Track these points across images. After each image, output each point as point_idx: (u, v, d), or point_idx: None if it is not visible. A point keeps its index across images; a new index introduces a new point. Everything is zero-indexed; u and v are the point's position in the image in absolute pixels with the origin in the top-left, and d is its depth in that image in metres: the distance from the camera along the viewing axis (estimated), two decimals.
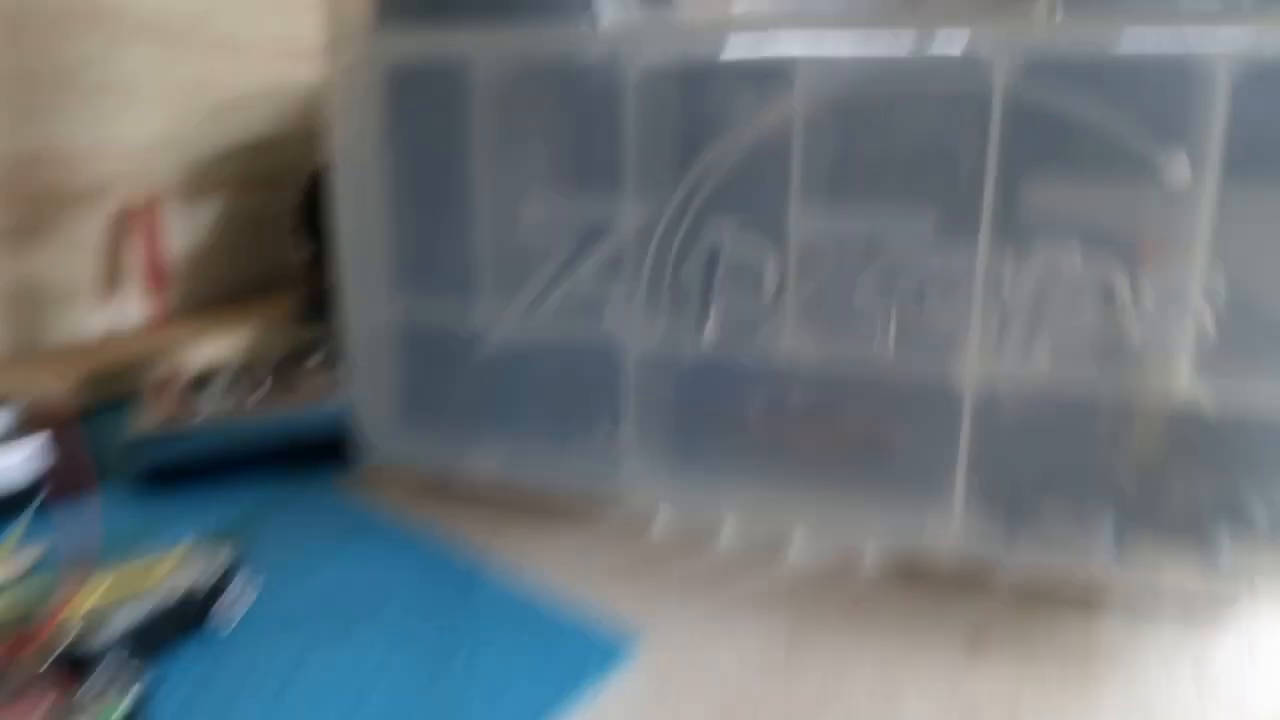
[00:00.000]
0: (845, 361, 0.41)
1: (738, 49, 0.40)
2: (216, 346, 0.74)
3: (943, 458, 0.40)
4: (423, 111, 0.48)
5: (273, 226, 0.86)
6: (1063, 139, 0.36)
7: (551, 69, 0.44)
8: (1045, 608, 0.40)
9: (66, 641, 0.33)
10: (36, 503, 0.48)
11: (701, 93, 0.41)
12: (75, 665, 0.33)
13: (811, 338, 0.41)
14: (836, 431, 0.44)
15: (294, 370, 0.64)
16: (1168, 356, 0.36)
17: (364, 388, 0.52)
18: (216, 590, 0.38)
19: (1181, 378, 0.36)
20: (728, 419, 0.46)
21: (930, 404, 0.40)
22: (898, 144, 0.39)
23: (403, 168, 0.49)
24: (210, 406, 0.58)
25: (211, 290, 0.83)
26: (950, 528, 0.40)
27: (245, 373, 0.64)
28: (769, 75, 0.39)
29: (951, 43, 0.36)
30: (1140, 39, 0.34)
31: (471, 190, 0.46)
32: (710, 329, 0.42)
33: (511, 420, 0.50)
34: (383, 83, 0.48)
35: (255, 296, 0.86)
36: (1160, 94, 0.34)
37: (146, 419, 0.54)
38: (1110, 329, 0.36)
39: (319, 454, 0.54)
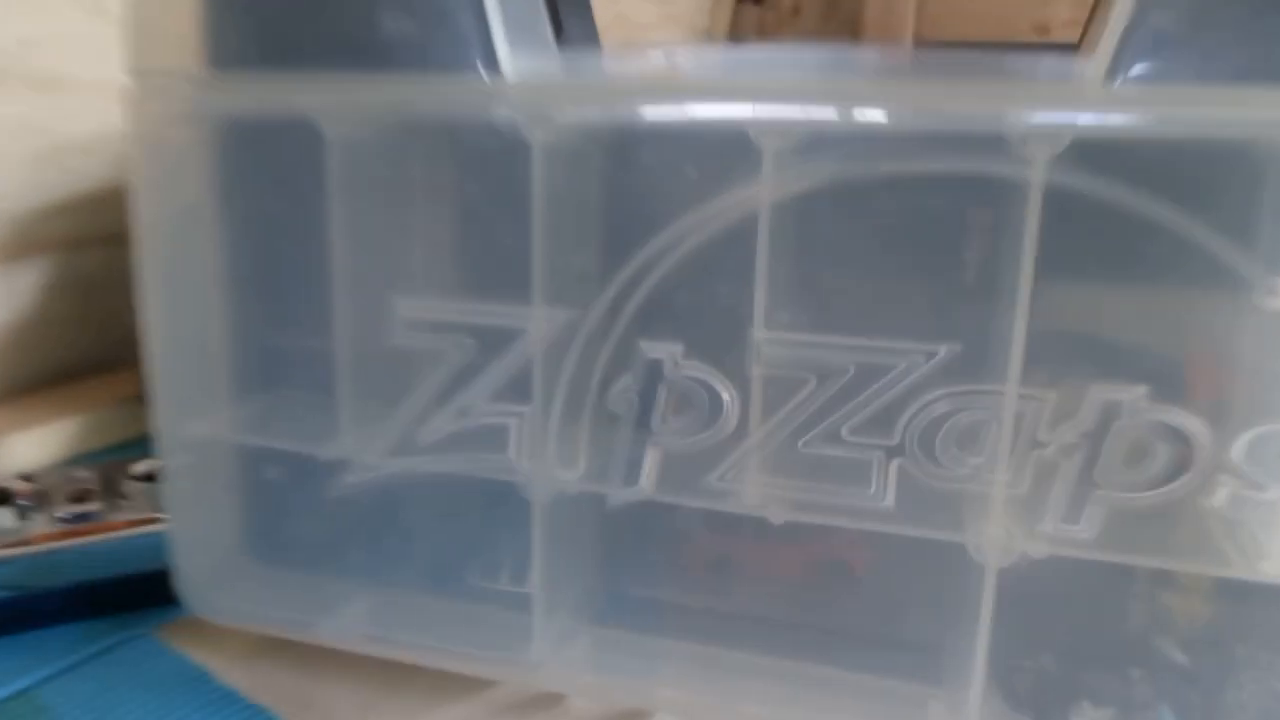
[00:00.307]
0: (828, 516, 0.30)
1: (684, 110, 0.29)
2: (32, 445, 0.59)
3: (955, 639, 0.30)
4: (267, 178, 0.36)
5: (114, 291, 0.71)
6: (1121, 245, 0.26)
7: (434, 131, 0.32)
8: None
9: None
10: None
11: (634, 168, 0.30)
12: None
13: (783, 486, 0.30)
14: (795, 554, 0.33)
15: (121, 478, 0.50)
16: (1260, 524, 0.26)
17: (186, 523, 0.38)
18: None
19: (1276, 551, 0.26)
20: (665, 571, 0.35)
21: (940, 573, 0.29)
22: (898, 243, 0.28)
23: (241, 246, 0.37)
24: (5, 531, 0.45)
25: (35, 372, 0.68)
26: None
27: (59, 483, 0.50)
28: (726, 146, 0.28)
29: (975, 118, 0.26)
30: (1231, 115, 0.25)
31: (330, 277, 0.33)
32: (647, 470, 0.31)
33: (385, 571, 0.38)
34: (214, 140, 0.35)
35: (93, 376, 0.70)
36: (1255, 187, 0.25)
37: None
38: (1185, 488, 0.26)
39: (145, 594, 0.41)
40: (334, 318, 0.33)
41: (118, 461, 0.52)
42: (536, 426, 0.31)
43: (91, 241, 0.70)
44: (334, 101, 0.32)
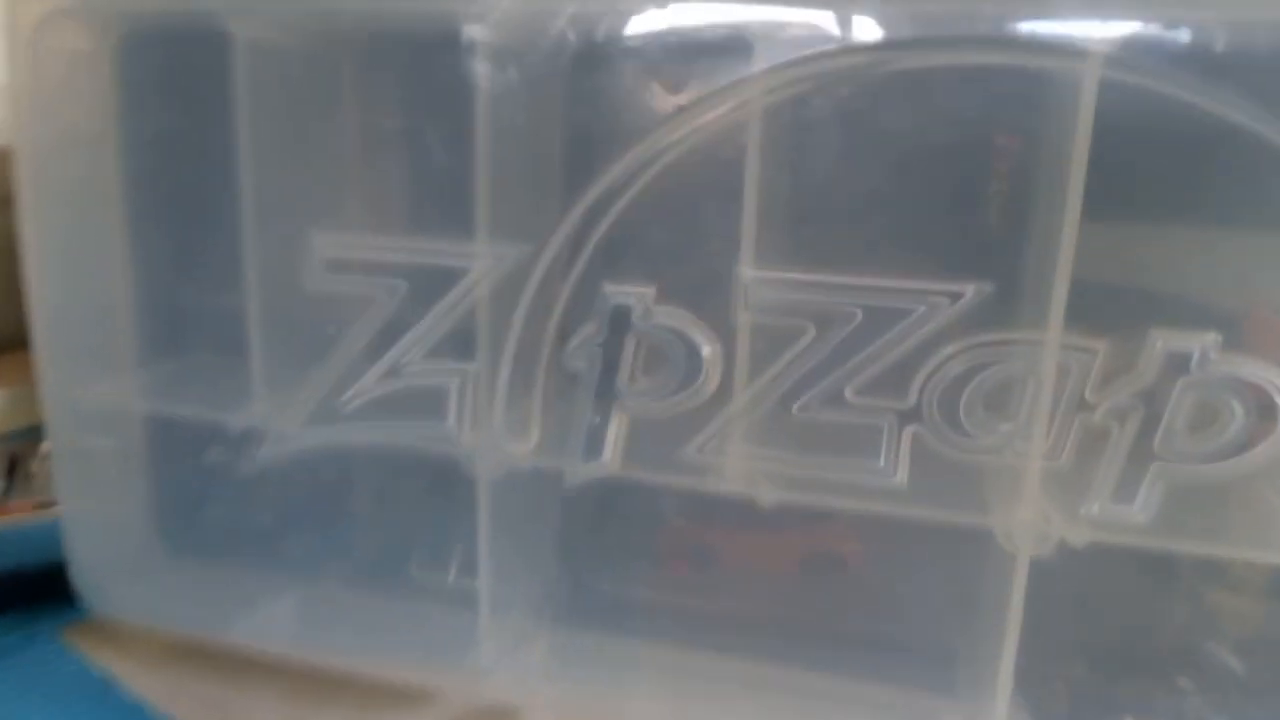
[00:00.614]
0: (828, 496, 0.25)
1: (659, 13, 0.24)
2: None
3: (976, 643, 0.25)
4: (171, 95, 0.31)
5: None
6: (1185, 168, 0.22)
7: (358, 32, 0.27)
8: None
9: None
10: None
11: (597, 72, 0.26)
12: None
13: (774, 459, 0.25)
14: (789, 543, 0.29)
15: (30, 457, 0.45)
16: None
17: (84, 509, 0.33)
18: None
19: None
20: (637, 563, 0.31)
21: (961, 565, 0.25)
22: (916, 160, 0.24)
23: (143, 178, 0.32)
24: None
25: None
26: None
27: None
28: (709, 42, 0.24)
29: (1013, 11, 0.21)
30: None
31: (239, 214, 0.28)
32: (611, 441, 0.26)
33: (313, 563, 0.33)
34: (110, 52, 0.30)
35: (14, 350, 0.65)
36: None
37: None
38: (1265, 458, 0.22)
39: (47, 588, 0.36)
40: (245, 260, 0.29)
41: (29, 441, 0.47)
42: (481, 388, 0.27)
43: (10, 200, 0.65)
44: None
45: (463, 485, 0.28)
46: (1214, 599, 0.27)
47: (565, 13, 0.25)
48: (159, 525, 0.35)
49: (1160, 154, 0.23)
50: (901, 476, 0.24)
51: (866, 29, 0.23)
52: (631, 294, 0.25)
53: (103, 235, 0.32)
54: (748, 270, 0.24)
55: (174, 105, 0.31)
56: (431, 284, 0.26)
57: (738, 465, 0.25)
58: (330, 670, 0.32)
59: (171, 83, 0.30)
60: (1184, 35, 0.21)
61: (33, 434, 0.52)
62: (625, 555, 0.32)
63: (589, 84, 0.26)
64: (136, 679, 0.33)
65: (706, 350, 0.25)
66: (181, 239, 0.32)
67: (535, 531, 0.31)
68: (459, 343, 0.27)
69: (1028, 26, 0.22)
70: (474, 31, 0.25)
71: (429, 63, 0.26)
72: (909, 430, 0.24)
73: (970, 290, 0.23)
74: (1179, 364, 0.22)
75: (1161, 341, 0.22)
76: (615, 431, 0.26)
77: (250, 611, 0.33)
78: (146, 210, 0.32)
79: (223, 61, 0.27)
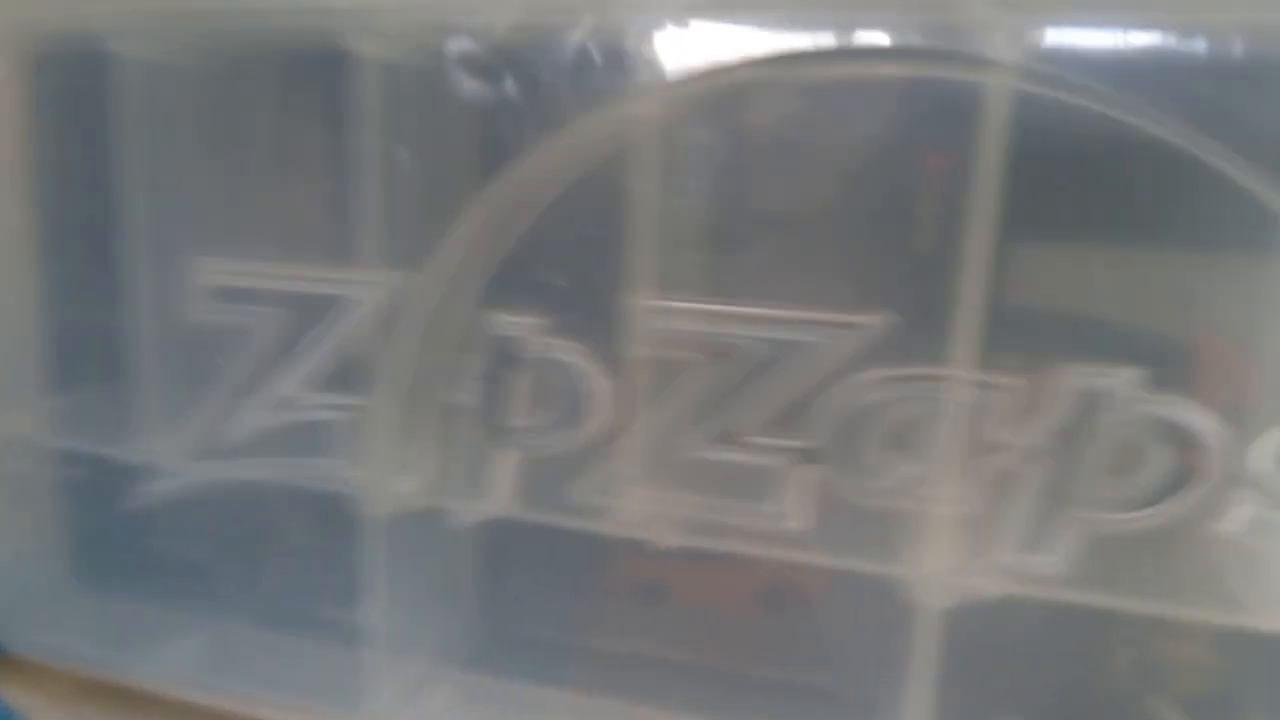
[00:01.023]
0: (728, 540, 0.22)
1: (544, 14, 0.22)
2: None
3: (889, 699, 0.22)
4: (66, 117, 0.28)
5: None
6: (1112, 188, 0.19)
7: (241, 47, 0.25)
8: None
9: None
10: None
11: (487, 96, 0.23)
12: None
13: (670, 501, 0.22)
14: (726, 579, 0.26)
15: None
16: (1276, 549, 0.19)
17: None
18: None
19: None
20: (553, 602, 0.28)
21: (870, 615, 0.22)
22: (818, 181, 0.21)
23: (48, 207, 0.29)
24: None
25: None
26: None
27: None
28: (600, 63, 0.21)
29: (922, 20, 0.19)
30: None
31: (123, 238, 0.26)
32: (499, 480, 0.23)
33: (216, 599, 0.31)
34: (17, 77, 0.28)
35: None
36: None
37: None
38: (1188, 507, 0.19)
39: None
40: (128, 288, 0.26)
41: None
42: (367, 423, 0.24)
43: None
44: (123, 13, 0.25)
45: (356, 523, 0.26)
46: (1155, 649, 0.24)
47: (455, 28, 0.22)
48: (67, 560, 0.33)
49: (1078, 172, 0.20)
50: (804, 521, 0.21)
51: (767, 40, 0.21)
52: (520, 325, 0.23)
53: (10, 262, 0.30)
54: (640, 300, 0.22)
55: (75, 129, 0.28)
56: (314, 313, 0.24)
57: (632, 507, 0.23)
58: (237, 711, 0.30)
59: (72, 106, 0.28)
60: (1103, 42, 0.19)
61: None
62: (540, 594, 0.29)
63: (476, 102, 0.23)
64: (45, 715, 0.31)
65: (597, 385, 0.22)
66: (85, 266, 0.29)
67: (437, 570, 0.28)
68: (346, 376, 0.24)
69: (937, 36, 0.19)
70: (358, 48, 0.22)
71: (310, 81, 0.24)
72: (811, 471, 0.21)
73: (874, 321, 0.20)
74: (1095, 403, 0.19)
75: (1077, 377, 0.19)
76: (504, 470, 0.23)
77: (154, 650, 0.30)
78: (54, 237, 0.29)
79: (105, 78, 0.25)
